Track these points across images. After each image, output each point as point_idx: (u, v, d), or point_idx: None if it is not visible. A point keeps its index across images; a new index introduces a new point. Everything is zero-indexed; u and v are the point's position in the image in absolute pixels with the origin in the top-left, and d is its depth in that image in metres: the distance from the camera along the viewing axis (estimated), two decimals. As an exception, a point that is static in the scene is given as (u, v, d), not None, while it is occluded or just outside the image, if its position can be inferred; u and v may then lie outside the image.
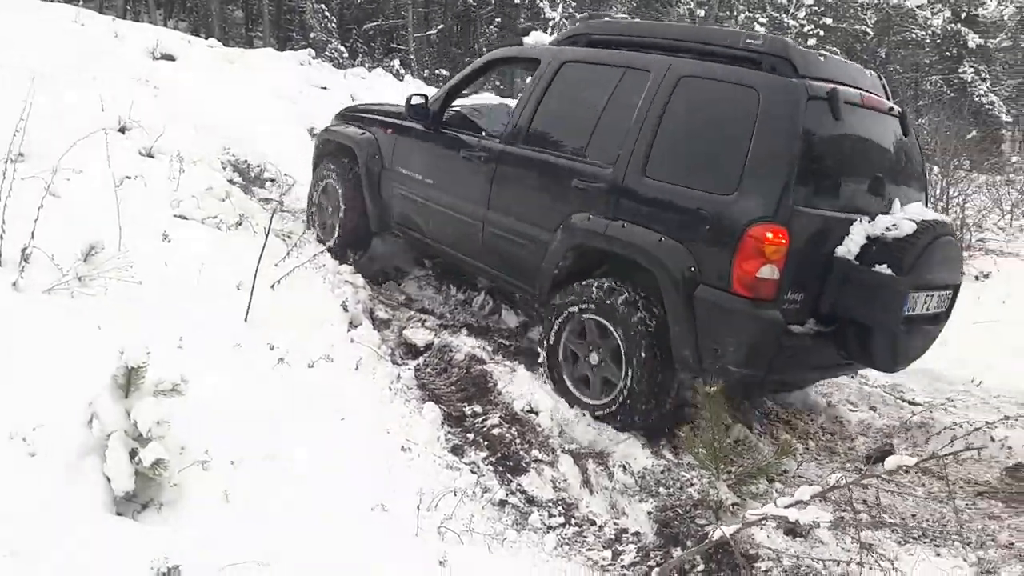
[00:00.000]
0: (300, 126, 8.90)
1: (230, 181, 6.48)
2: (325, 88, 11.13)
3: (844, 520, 2.76)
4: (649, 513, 3.40)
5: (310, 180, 6.37)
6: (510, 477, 3.65)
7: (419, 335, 4.92)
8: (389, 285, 5.88)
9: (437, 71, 24.39)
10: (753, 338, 3.67)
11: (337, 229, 5.93)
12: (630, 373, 4.00)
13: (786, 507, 2.24)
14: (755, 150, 3.68)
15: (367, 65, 16.49)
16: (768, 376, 3.92)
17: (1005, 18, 33.25)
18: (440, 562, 2.82)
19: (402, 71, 16.18)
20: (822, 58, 4.02)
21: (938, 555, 2.99)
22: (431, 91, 13.42)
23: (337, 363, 4.00)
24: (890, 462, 2.45)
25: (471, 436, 3.88)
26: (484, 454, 3.76)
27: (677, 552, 3.06)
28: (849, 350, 3.90)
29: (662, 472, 3.82)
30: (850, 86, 4.01)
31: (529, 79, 4.99)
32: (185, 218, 5.20)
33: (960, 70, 32.09)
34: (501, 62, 5.76)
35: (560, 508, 3.51)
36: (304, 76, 11.20)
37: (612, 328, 4.06)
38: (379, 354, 4.38)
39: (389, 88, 11.99)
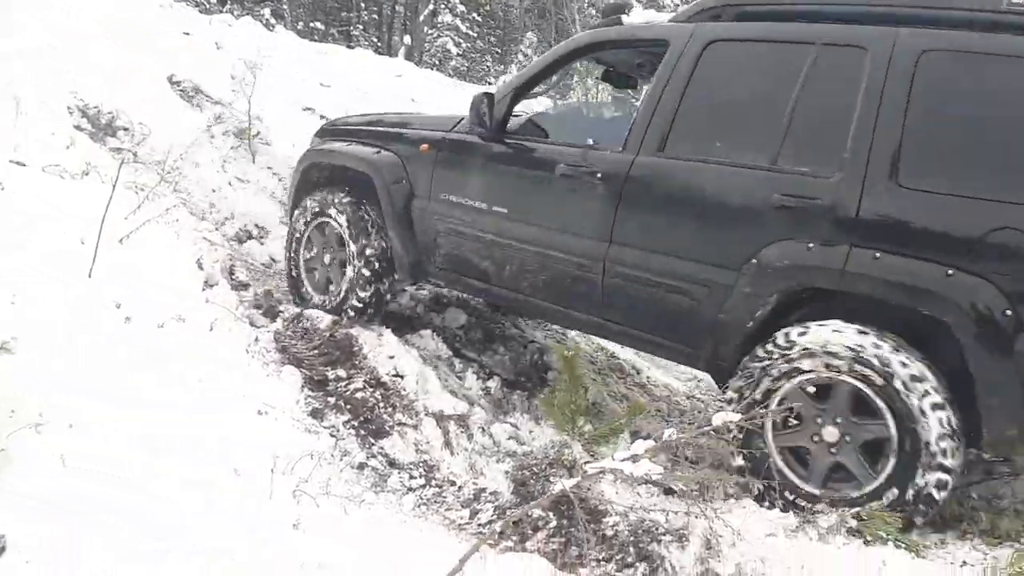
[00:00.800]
0: (159, 73, 8.34)
1: (77, 127, 6.00)
2: (188, 34, 10.46)
3: (674, 473, 2.95)
4: (506, 472, 3.49)
5: (290, 224, 4.98)
6: (372, 440, 3.66)
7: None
8: (251, 245, 5.67)
9: (312, 24, 23.48)
10: None
11: (345, 283, 4.56)
12: (901, 465, 2.88)
13: (621, 460, 2.38)
14: None
15: (235, 13, 15.62)
16: None
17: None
18: (294, 525, 2.79)
19: (273, 22, 15.48)
20: None
21: (771, 508, 3.24)
22: (305, 44, 12.90)
23: (189, 324, 3.83)
24: (716, 418, 2.63)
25: (333, 400, 3.84)
26: (345, 418, 3.74)
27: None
28: None
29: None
30: None
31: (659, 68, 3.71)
32: (23, 164, 4.79)
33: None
34: (594, 48, 4.16)
35: (421, 470, 3.56)
36: (165, 19, 10.49)
37: (881, 402, 2.90)
38: (236, 315, 4.23)
39: (257, 38, 11.42)
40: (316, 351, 4.23)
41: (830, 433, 3.02)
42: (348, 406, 3.81)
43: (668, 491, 3.22)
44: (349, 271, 4.54)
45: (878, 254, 2.97)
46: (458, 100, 11.63)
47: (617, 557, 2.89)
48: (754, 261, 3.21)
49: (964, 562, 2.71)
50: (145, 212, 4.67)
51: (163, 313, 3.81)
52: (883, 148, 3.05)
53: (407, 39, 21.70)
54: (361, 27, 27.67)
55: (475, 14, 26.35)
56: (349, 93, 9.31)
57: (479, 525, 3.23)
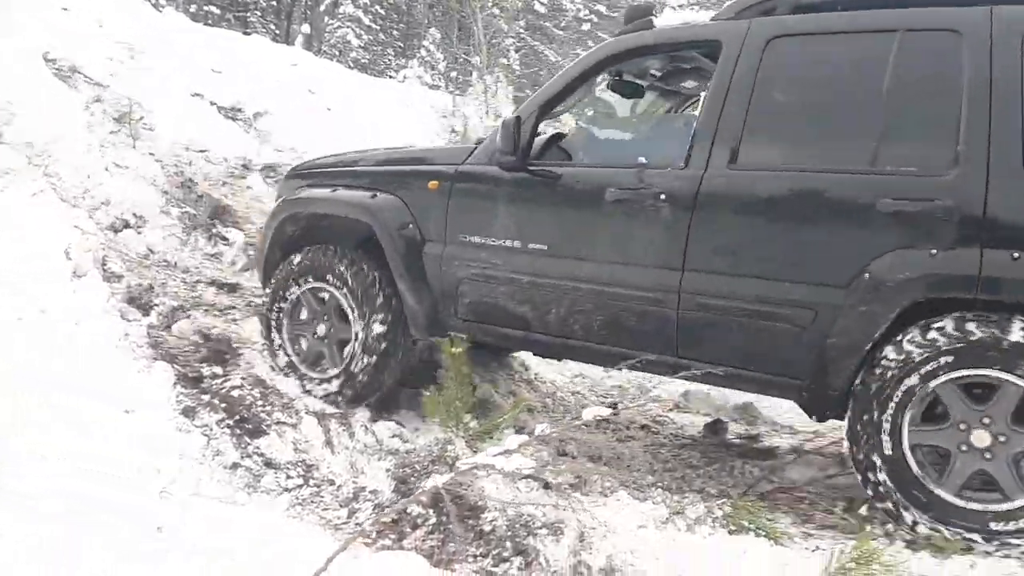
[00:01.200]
0: (32, 49, 7.83)
1: (-68, 105, 5.58)
2: (67, 9, 9.83)
3: (545, 468, 3.00)
4: (388, 471, 3.46)
5: (267, 294, 4.20)
6: (248, 440, 3.55)
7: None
8: (127, 234, 5.40)
9: (206, 7, 22.60)
10: None
11: (351, 354, 3.92)
12: None
13: (494, 456, 2.40)
14: None
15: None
16: None
17: None
18: (158, 528, 2.68)
19: (163, 3, 14.80)
20: None
21: (643, 500, 3.34)
22: (197, 28, 12.30)
23: (53, 317, 3.63)
24: (587, 413, 2.68)
25: (207, 398, 3.72)
26: (220, 416, 3.62)
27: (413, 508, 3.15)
28: None
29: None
30: None
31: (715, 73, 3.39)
32: None
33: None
34: (629, 55, 3.73)
35: (300, 470, 3.48)
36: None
37: None
38: (106, 308, 4.02)
39: (145, 18, 10.87)
40: (192, 346, 4.08)
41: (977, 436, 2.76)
42: (223, 404, 3.69)
43: (547, 486, 3.27)
44: (352, 344, 3.91)
45: (1016, 254, 2.72)
46: (362, 92, 11.36)
47: (494, 552, 2.91)
48: (866, 276, 2.92)
49: (817, 547, 2.86)
50: (9, 197, 4.39)
51: (24, 306, 3.59)
52: (1005, 137, 2.80)
53: (306, 28, 21.18)
54: (259, 14, 26.84)
55: (378, 7, 26.02)
56: (243, 81, 8.99)
57: (357, 524, 3.18)
